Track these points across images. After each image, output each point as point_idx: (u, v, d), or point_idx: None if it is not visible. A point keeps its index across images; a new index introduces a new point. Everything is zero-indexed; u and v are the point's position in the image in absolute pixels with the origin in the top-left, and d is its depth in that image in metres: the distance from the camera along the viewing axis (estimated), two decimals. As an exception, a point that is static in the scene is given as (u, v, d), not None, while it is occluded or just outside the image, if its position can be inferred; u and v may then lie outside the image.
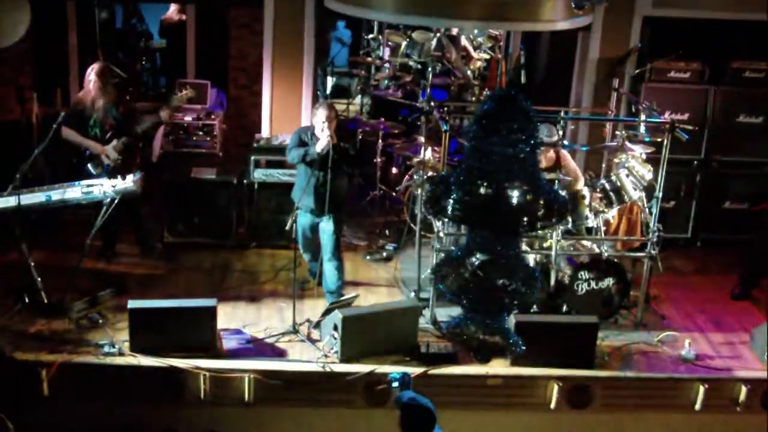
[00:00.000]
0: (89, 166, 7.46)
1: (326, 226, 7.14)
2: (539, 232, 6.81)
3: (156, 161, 9.01)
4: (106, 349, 6.46)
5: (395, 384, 5.31)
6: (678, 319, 7.43)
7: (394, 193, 8.93)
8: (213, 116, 9.27)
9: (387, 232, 8.88)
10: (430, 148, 8.05)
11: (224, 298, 7.22)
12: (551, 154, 7.62)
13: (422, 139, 8.16)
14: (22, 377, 5.96)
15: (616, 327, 7.19)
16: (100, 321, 6.90)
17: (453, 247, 6.94)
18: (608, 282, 7.17)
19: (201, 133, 9.01)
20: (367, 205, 9.29)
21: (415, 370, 6.27)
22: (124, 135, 7.56)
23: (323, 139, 6.84)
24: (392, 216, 9.02)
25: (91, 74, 7.46)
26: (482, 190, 5.94)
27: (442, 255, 6.81)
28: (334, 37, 12.58)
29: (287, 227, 6.68)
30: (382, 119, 9.31)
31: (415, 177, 8.21)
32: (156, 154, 9.08)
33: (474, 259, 6.15)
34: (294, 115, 9.05)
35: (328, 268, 7.23)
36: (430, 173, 7.70)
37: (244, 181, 8.40)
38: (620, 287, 7.20)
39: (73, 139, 7.48)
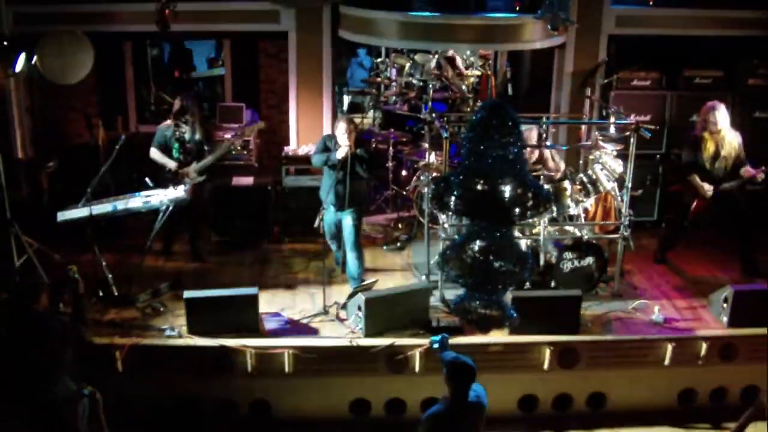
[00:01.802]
0: (165, 183, 7.27)
1: (348, 221, 6.99)
2: (529, 220, 6.68)
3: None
4: (168, 332, 6.42)
5: (436, 345, 5.24)
6: (649, 289, 7.37)
7: (404, 192, 8.85)
8: (250, 131, 9.06)
9: (400, 225, 8.81)
10: (433, 153, 7.96)
11: (264, 287, 7.15)
12: (535, 153, 7.56)
13: (426, 145, 8.10)
14: (101, 357, 6.01)
15: (597, 298, 7.14)
16: (162, 309, 6.87)
17: (456, 236, 6.84)
18: (589, 260, 7.10)
19: (240, 147, 8.91)
20: (382, 202, 9.26)
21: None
22: (202, 158, 7.46)
23: (343, 148, 6.74)
24: (404, 211, 8.97)
25: (182, 104, 7.30)
26: (479, 187, 6.13)
27: (448, 243, 6.75)
28: (355, 63, 12.51)
29: (315, 224, 6.87)
30: (392, 130, 9.26)
31: (421, 178, 8.14)
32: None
33: (474, 246, 6.32)
34: (317, 129, 9.00)
35: (351, 258, 7.10)
36: (434, 174, 7.62)
37: (277, 186, 8.40)
38: (599, 264, 7.13)
39: (158, 159, 7.40)
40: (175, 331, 6.40)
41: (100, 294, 6.83)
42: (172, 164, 7.38)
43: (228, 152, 7.82)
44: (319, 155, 6.89)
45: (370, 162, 6.90)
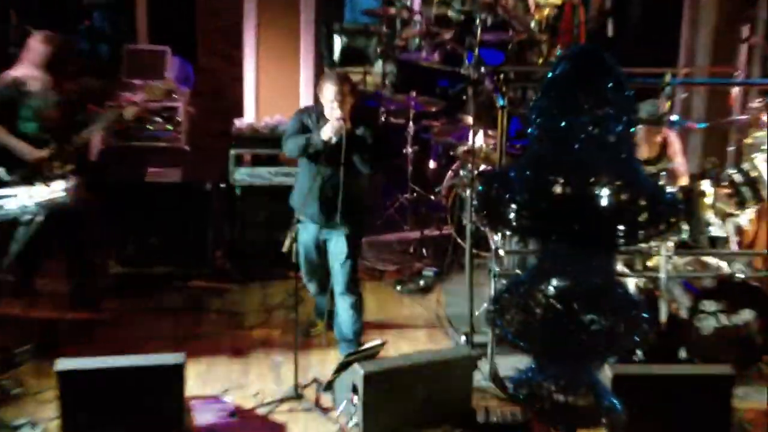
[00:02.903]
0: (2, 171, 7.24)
1: (338, 244, 7.18)
2: (641, 245, 6.78)
3: (95, 160, 9.04)
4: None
5: None
6: None
7: (432, 197, 9.02)
8: (175, 95, 9.22)
9: (424, 251, 8.94)
10: (481, 132, 8.11)
11: (196, 352, 7.25)
12: (658, 138, 7.66)
13: (470, 119, 8.20)
14: None
15: (761, 381, 7.12)
16: (16, 391, 6.81)
17: (518, 271, 7.02)
18: (745, 316, 7.11)
19: (159, 119, 8.94)
20: (395, 213, 9.40)
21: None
22: (68, 136, 7.45)
23: (332, 124, 6.91)
24: (431, 228, 9.11)
25: (38, 44, 7.32)
26: (557, 189, 5.90)
27: (503, 282, 6.83)
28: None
29: (284, 248, 6.66)
30: (413, 93, 9.28)
31: (461, 173, 8.30)
32: (95, 151, 9.10)
33: (548, 287, 6.08)
34: (289, 92, 9.12)
35: (343, 306, 7.27)
36: (482, 167, 7.81)
37: (222, 185, 8.48)
38: (764, 323, 7.11)
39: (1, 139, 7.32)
40: (38, 429, 6.35)
41: None
42: (23, 149, 7.29)
43: (119, 122, 7.86)
44: (294, 138, 7.07)
45: (376, 147, 7.07)
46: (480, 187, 6.29)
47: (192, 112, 9.43)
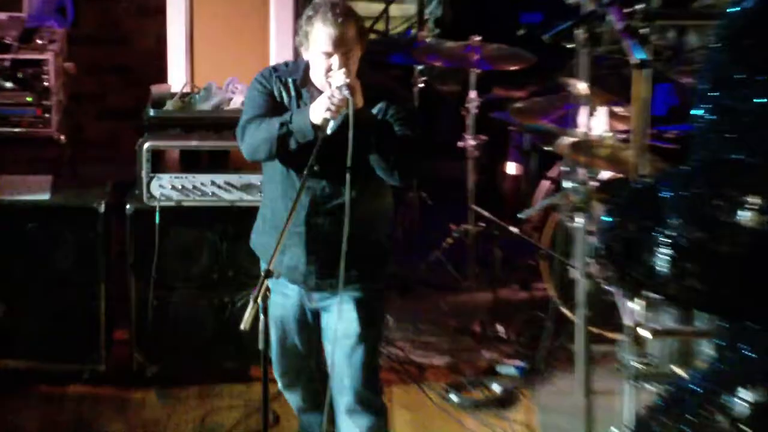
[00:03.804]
0: None
1: (343, 318, 6.86)
2: None
3: None
4: None
5: None
6: None
7: (513, 228, 8.96)
8: (41, 41, 8.95)
9: (499, 328, 8.81)
10: (602, 110, 7.84)
11: None
12: None
13: (581, 86, 7.85)
14: None
15: None
16: None
17: (677, 369, 6.55)
18: None
19: (10, 85, 8.56)
20: (445, 259, 9.33)
21: None
22: None
23: (326, 97, 6.55)
24: (511, 286, 9.26)
25: None
26: (747, 215, 4.62)
27: (655, 390, 6.37)
28: None
29: (244, 324, 6.18)
30: (477, 38, 9.16)
31: (566, 184, 7.84)
32: None
33: (737, 402, 4.67)
34: (251, 35, 8.97)
35: (348, 429, 7.08)
36: (606, 174, 7.82)
37: (127, 205, 8.24)
38: None
39: None
40: None
41: None
42: None
43: None
44: (259, 124, 6.85)
45: (408, 140, 6.80)
46: (606, 217, 5.25)
47: (70, 70, 9.04)
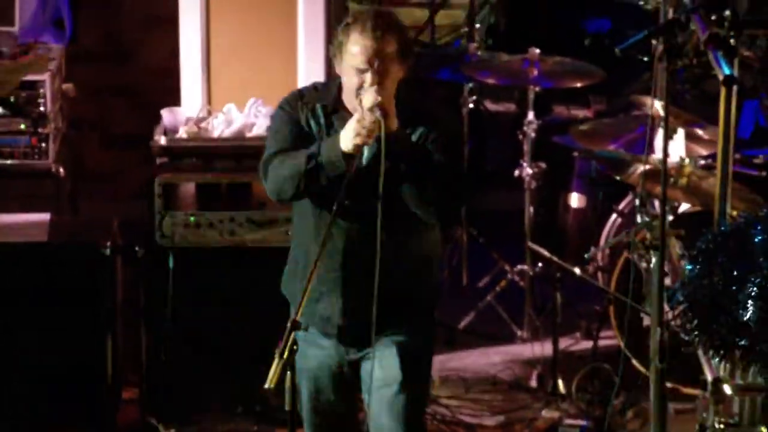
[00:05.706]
0: None
1: (384, 365, 6.68)
2: None
3: None
4: None
5: None
6: None
7: (577, 270, 8.88)
8: (37, 52, 9.03)
9: (561, 384, 8.67)
10: (681, 132, 8.03)
11: None
12: None
13: (656, 104, 7.78)
14: None
15: None
16: None
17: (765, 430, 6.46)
18: None
19: (1, 111, 8.68)
20: (495, 304, 9.35)
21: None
22: None
23: (358, 122, 6.28)
24: (574, 337, 9.30)
25: None
26: None
27: None
28: None
29: (269, 382, 5.84)
30: (535, 51, 9.09)
31: (639, 218, 7.68)
32: None
33: None
34: (276, 55, 8.94)
35: None
36: (685, 206, 7.98)
37: (137, 247, 8.18)
38: None
39: None
40: None
41: None
42: None
43: None
44: (283, 159, 6.62)
45: (455, 170, 6.60)
46: (689, 264, 5.94)
47: (69, 92, 9.07)
